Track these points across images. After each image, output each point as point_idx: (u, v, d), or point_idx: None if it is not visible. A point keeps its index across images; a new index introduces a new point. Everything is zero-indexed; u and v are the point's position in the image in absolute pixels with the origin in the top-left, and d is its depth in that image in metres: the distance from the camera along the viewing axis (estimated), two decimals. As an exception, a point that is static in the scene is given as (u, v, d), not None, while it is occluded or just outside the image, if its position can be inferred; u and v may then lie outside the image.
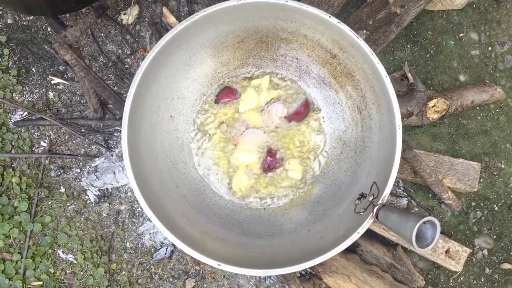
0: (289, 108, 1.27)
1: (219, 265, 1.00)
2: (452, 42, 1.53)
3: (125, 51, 1.50)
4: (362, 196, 1.04)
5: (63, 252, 1.43)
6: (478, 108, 1.50)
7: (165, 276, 1.43)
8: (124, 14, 1.50)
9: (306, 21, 1.11)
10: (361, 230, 1.02)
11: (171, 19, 1.38)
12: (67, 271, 1.43)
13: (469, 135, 1.50)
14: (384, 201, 1.02)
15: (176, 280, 1.43)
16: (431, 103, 1.34)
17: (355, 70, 1.15)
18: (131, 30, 1.50)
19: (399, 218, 0.96)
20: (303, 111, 1.25)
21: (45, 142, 1.46)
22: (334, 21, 1.05)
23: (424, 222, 0.94)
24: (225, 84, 1.27)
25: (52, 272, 1.42)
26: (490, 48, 1.53)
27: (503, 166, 1.50)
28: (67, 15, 1.45)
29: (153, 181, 1.11)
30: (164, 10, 1.37)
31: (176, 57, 1.14)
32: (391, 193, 1.45)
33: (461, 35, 1.53)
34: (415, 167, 1.28)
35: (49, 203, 1.44)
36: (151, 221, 1.43)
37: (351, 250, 1.41)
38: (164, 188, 1.14)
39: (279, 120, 1.26)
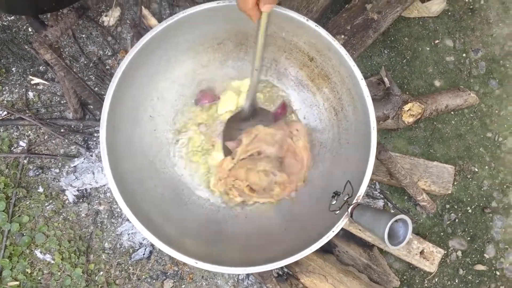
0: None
1: (196, 263, 1.01)
2: (428, 48, 1.57)
3: (106, 53, 1.51)
4: (336, 194, 1.06)
5: (40, 252, 1.42)
6: (452, 112, 1.54)
7: (143, 276, 1.44)
8: (106, 16, 1.51)
9: (284, 24, 1.14)
10: (336, 228, 1.03)
11: (152, 21, 1.39)
12: (45, 271, 1.42)
13: (444, 139, 1.54)
14: (359, 201, 1.04)
15: (154, 281, 1.44)
16: (406, 107, 1.37)
17: (332, 73, 1.18)
18: (112, 32, 1.51)
19: (373, 217, 0.99)
20: (280, 112, 1.27)
21: (24, 142, 1.46)
22: (311, 24, 1.08)
23: (396, 221, 0.97)
24: (204, 86, 1.29)
25: (29, 272, 1.41)
26: (464, 55, 1.57)
27: (476, 170, 1.53)
28: (48, 15, 1.46)
29: (132, 180, 1.12)
30: (145, 12, 1.39)
31: (155, 57, 1.15)
32: (368, 195, 1.48)
33: (437, 41, 1.57)
34: (390, 169, 1.30)
35: (27, 203, 1.44)
36: (130, 222, 1.44)
37: (328, 251, 1.43)
38: (143, 187, 1.15)
39: None
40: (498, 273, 1.50)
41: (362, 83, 1.07)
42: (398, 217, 0.95)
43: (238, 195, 1.22)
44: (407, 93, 1.53)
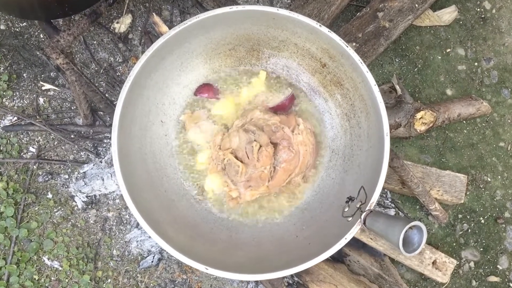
0: (273, 100, 1.27)
1: (207, 269, 1.00)
2: (439, 57, 1.56)
3: (117, 59, 1.51)
4: (350, 199, 1.05)
5: (48, 259, 1.41)
6: (464, 122, 1.53)
7: (152, 284, 1.42)
8: (117, 22, 1.51)
9: (297, 30, 1.14)
10: (349, 236, 1.02)
11: (164, 28, 1.39)
12: (52, 278, 1.41)
13: (456, 148, 1.52)
14: (372, 208, 1.03)
15: (162, 289, 1.42)
16: (418, 115, 1.36)
17: (344, 79, 1.17)
18: (123, 39, 1.52)
19: (386, 224, 0.97)
20: (287, 104, 1.25)
21: (33, 147, 1.46)
22: (324, 30, 1.07)
23: (410, 228, 0.96)
24: (207, 80, 1.27)
25: (36, 279, 1.40)
26: (476, 64, 1.57)
27: (489, 180, 1.52)
28: (60, 20, 1.47)
29: (142, 184, 1.11)
30: (157, 19, 1.39)
31: (167, 62, 1.15)
32: (379, 204, 1.46)
33: (448, 50, 1.57)
34: (403, 177, 1.29)
35: (36, 209, 1.43)
36: (138, 229, 1.43)
37: (339, 260, 1.41)
38: (153, 192, 1.14)
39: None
40: (511, 284, 1.47)
41: (375, 89, 1.06)
42: (412, 223, 0.94)
43: (232, 183, 1.20)
44: (419, 101, 1.52)
